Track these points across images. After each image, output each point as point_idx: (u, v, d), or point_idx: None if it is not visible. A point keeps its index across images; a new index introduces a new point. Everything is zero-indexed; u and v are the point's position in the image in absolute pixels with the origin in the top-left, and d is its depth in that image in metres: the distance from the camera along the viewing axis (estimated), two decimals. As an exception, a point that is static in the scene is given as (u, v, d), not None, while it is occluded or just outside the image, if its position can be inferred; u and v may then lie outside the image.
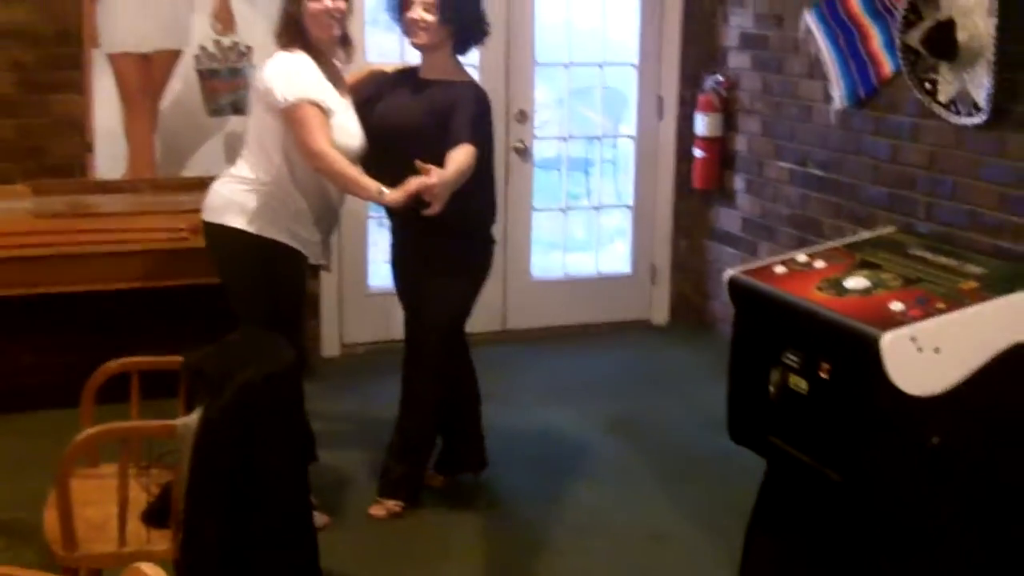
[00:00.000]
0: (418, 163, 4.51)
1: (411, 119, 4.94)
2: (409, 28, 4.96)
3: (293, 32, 4.77)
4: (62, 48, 6.16)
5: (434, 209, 4.53)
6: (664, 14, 7.51)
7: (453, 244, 5.04)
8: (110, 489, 3.64)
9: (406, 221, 4.99)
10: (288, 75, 4.67)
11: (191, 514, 3.44)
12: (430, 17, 4.89)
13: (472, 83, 5.09)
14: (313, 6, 4.73)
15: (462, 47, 5.10)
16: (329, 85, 4.77)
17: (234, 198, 4.80)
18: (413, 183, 4.49)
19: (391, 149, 4.86)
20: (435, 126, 4.83)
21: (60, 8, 6.12)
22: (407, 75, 5.16)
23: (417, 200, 4.53)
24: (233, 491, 3.45)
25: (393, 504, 5.17)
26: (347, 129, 4.81)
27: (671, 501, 5.34)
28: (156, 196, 6.21)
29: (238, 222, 4.76)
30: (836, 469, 3.96)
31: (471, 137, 4.79)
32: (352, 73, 5.23)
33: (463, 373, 5.40)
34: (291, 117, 4.62)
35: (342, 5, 4.79)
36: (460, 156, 4.71)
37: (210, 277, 5.68)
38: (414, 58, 5.23)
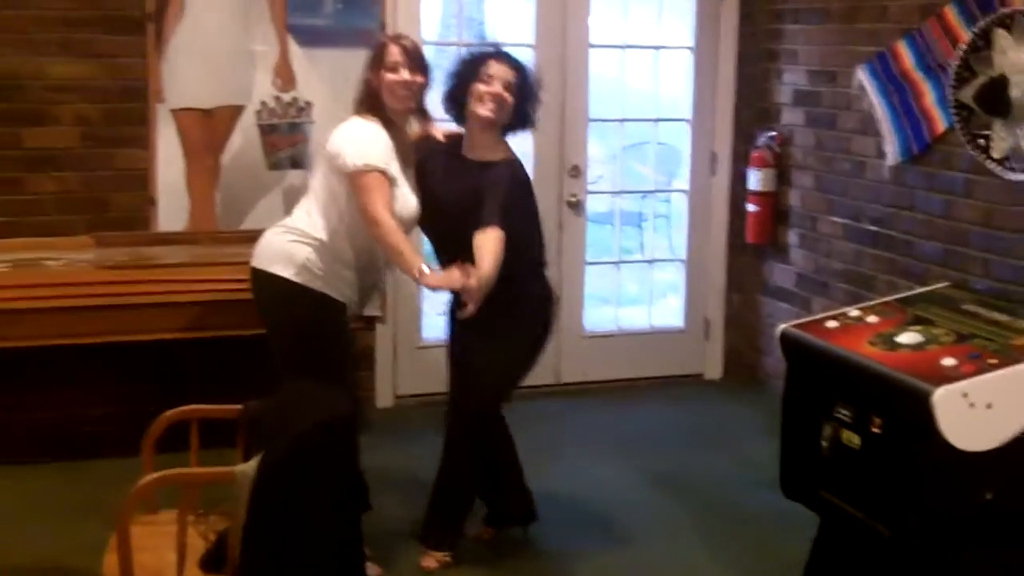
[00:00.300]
0: (460, 265, 4.61)
1: (451, 200, 4.99)
2: (481, 100, 4.97)
3: (370, 101, 4.85)
4: (127, 103, 6.28)
5: (470, 311, 4.61)
6: (718, 71, 7.56)
7: (505, 312, 5.02)
8: (168, 536, 3.69)
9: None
10: (359, 142, 4.74)
11: (247, 561, 3.48)
12: (510, 97, 4.97)
13: (511, 161, 5.10)
14: (390, 78, 4.81)
15: (510, 129, 5.14)
16: (396, 157, 4.83)
17: (285, 249, 4.85)
18: (455, 279, 4.58)
19: (434, 224, 5.07)
20: (471, 208, 4.87)
21: (125, 64, 6.23)
22: (452, 148, 5.17)
23: (455, 295, 4.64)
24: (289, 539, 3.49)
25: (442, 555, 5.19)
26: (407, 200, 4.88)
27: (721, 558, 5.31)
28: (216, 248, 6.27)
29: (287, 272, 4.82)
30: (887, 524, 3.95)
31: (498, 220, 4.83)
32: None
33: (502, 428, 5.42)
34: (357, 183, 4.69)
35: (420, 79, 4.86)
36: (490, 245, 4.76)
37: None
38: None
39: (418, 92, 4.90)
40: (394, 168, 4.79)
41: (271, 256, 4.90)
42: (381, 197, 4.67)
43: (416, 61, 4.88)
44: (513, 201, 4.97)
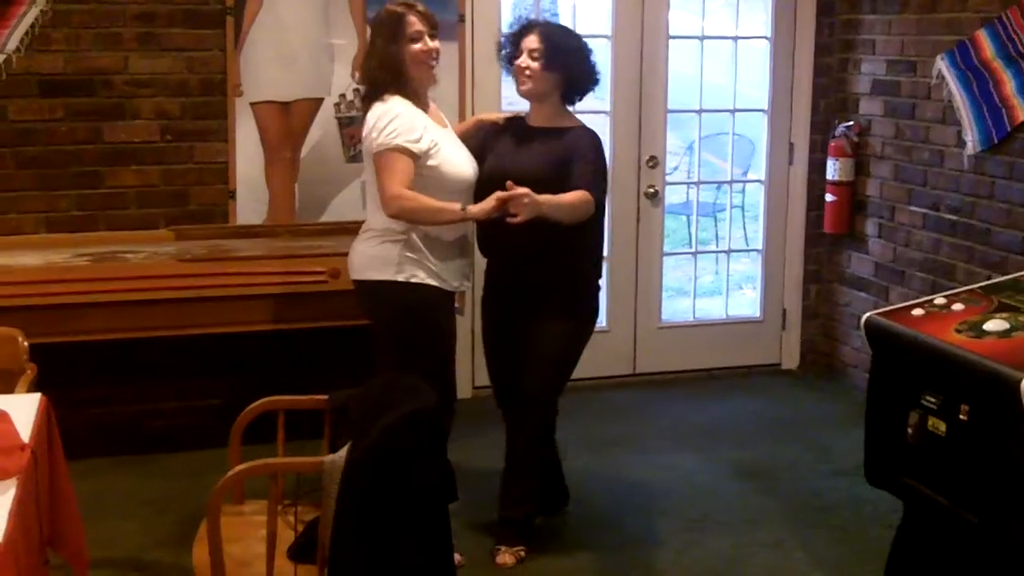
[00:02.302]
0: (508, 183, 4.61)
1: (531, 168, 4.95)
2: (517, 76, 5.06)
3: (393, 75, 4.84)
4: (206, 97, 6.33)
5: (520, 218, 4.59)
6: (795, 61, 7.53)
7: (561, 291, 5.11)
8: (255, 526, 3.73)
9: (506, 262, 5.15)
10: (380, 125, 4.76)
11: (337, 550, 3.50)
12: (535, 64, 4.99)
13: (585, 128, 5.14)
14: (415, 48, 4.83)
15: (570, 96, 5.16)
16: (429, 120, 4.87)
17: (370, 252, 4.91)
18: (498, 195, 4.60)
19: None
20: (558, 175, 4.89)
21: (204, 59, 6.29)
22: (515, 124, 5.22)
23: (504, 212, 4.62)
24: (378, 528, 3.51)
25: (518, 550, 5.20)
26: (455, 159, 4.92)
27: (801, 548, 5.31)
28: (295, 241, 6.32)
29: (384, 275, 4.86)
30: (973, 511, 3.93)
31: (591, 187, 4.86)
32: (459, 125, 5.35)
33: None
34: (377, 164, 4.74)
35: (439, 46, 4.91)
36: (571, 196, 4.79)
37: (348, 320, 5.81)
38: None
39: (438, 59, 4.93)
40: (429, 137, 4.80)
41: (362, 264, 4.96)
42: (398, 174, 4.69)
43: (435, 27, 4.91)
44: (602, 172, 5.02)
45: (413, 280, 4.83)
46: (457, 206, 4.67)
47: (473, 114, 6.68)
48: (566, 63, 5.05)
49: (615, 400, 7.05)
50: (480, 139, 5.23)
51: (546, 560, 5.20)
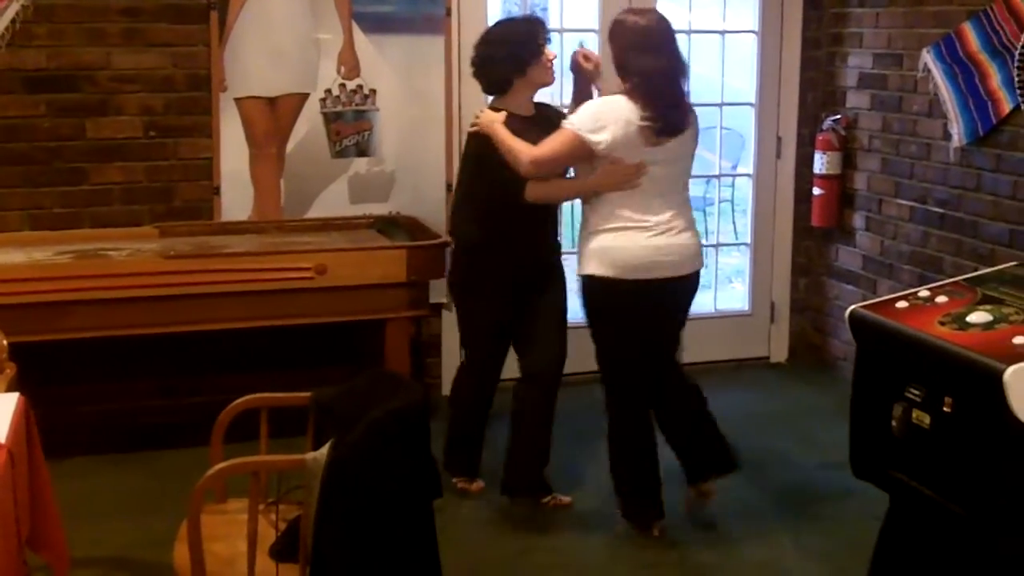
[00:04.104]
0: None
1: None
2: (549, 69, 5.36)
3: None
4: (191, 93, 6.32)
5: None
6: (783, 55, 7.51)
7: (558, 266, 5.65)
8: (238, 524, 3.70)
9: (531, 250, 5.45)
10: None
11: (319, 549, 3.48)
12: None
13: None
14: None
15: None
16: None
17: (587, 247, 5.14)
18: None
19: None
20: None
21: (189, 54, 6.27)
22: (514, 118, 5.31)
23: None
24: (361, 526, 3.49)
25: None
26: None
27: (791, 540, 5.32)
28: (281, 237, 6.32)
29: (599, 270, 5.08)
30: (959, 503, 3.94)
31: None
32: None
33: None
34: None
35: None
36: None
37: (334, 316, 5.80)
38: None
39: None
40: None
41: (582, 261, 5.19)
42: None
43: None
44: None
45: (621, 277, 5.13)
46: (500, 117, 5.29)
47: (460, 108, 6.70)
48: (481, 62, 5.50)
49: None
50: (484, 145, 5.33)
51: (536, 549, 5.22)
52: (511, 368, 5.78)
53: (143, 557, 5.04)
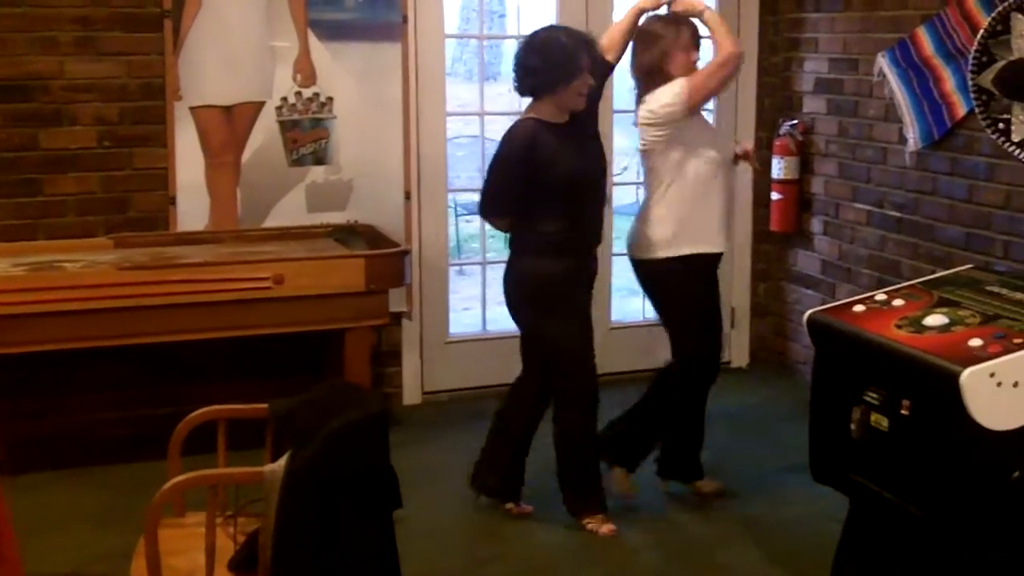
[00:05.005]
0: None
1: (601, 164, 5.44)
2: (580, 94, 5.22)
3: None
4: (145, 102, 6.27)
5: None
6: (740, 60, 7.53)
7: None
8: (196, 538, 3.67)
9: (591, 252, 5.44)
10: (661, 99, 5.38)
11: (278, 561, 3.46)
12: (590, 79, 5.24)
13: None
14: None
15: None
16: None
17: (645, 231, 5.46)
18: None
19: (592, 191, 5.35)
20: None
21: (143, 63, 6.23)
22: (550, 127, 5.26)
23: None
24: (320, 538, 3.47)
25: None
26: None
27: (754, 542, 5.32)
28: (238, 247, 6.28)
29: (657, 253, 5.40)
30: (918, 505, 3.97)
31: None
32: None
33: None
34: (695, 87, 5.40)
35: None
36: None
37: (293, 326, 5.78)
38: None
39: None
40: None
41: (640, 246, 5.50)
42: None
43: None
44: None
45: (676, 254, 5.51)
46: None
47: (418, 116, 6.70)
48: (524, 72, 5.33)
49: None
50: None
51: (498, 559, 5.21)
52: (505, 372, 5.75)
53: (100, 572, 4.99)
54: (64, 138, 6.17)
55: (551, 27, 5.47)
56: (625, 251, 5.69)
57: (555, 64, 5.12)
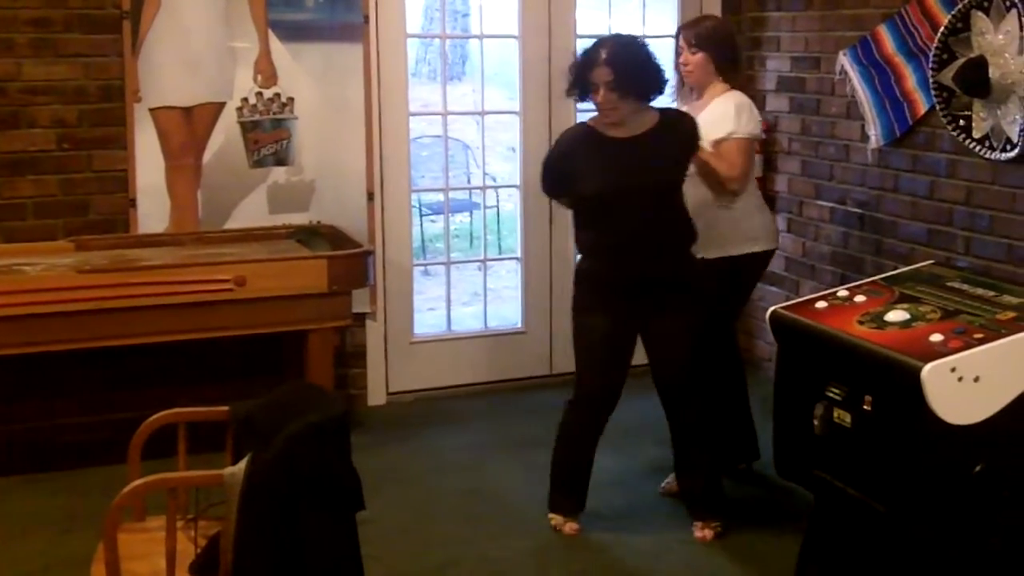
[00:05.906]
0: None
1: (650, 180, 5.13)
2: (600, 109, 5.12)
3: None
4: (104, 104, 6.23)
5: None
6: (701, 58, 7.53)
7: (684, 280, 5.38)
8: (157, 542, 3.65)
9: (635, 257, 5.21)
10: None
11: (239, 565, 3.44)
12: (613, 95, 5.02)
13: (665, 110, 5.38)
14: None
15: (647, 101, 5.21)
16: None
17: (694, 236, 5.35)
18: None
19: (630, 205, 5.08)
20: (675, 171, 5.25)
21: (101, 64, 6.19)
22: (595, 136, 5.20)
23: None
24: (281, 540, 3.46)
25: (715, 525, 5.38)
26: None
27: (721, 543, 5.31)
28: (199, 249, 6.24)
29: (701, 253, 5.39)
30: (881, 500, 4.00)
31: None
32: None
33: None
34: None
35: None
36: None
37: (255, 328, 5.75)
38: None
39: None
40: None
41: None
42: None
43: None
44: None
45: (711, 256, 5.56)
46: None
47: (380, 116, 6.68)
48: (640, 82, 5.09)
49: (533, 401, 7.02)
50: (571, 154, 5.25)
51: (463, 560, 5.18)
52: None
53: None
54: (22, 141, 6.12)
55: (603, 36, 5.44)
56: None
57: (577, 75, 5.13)
